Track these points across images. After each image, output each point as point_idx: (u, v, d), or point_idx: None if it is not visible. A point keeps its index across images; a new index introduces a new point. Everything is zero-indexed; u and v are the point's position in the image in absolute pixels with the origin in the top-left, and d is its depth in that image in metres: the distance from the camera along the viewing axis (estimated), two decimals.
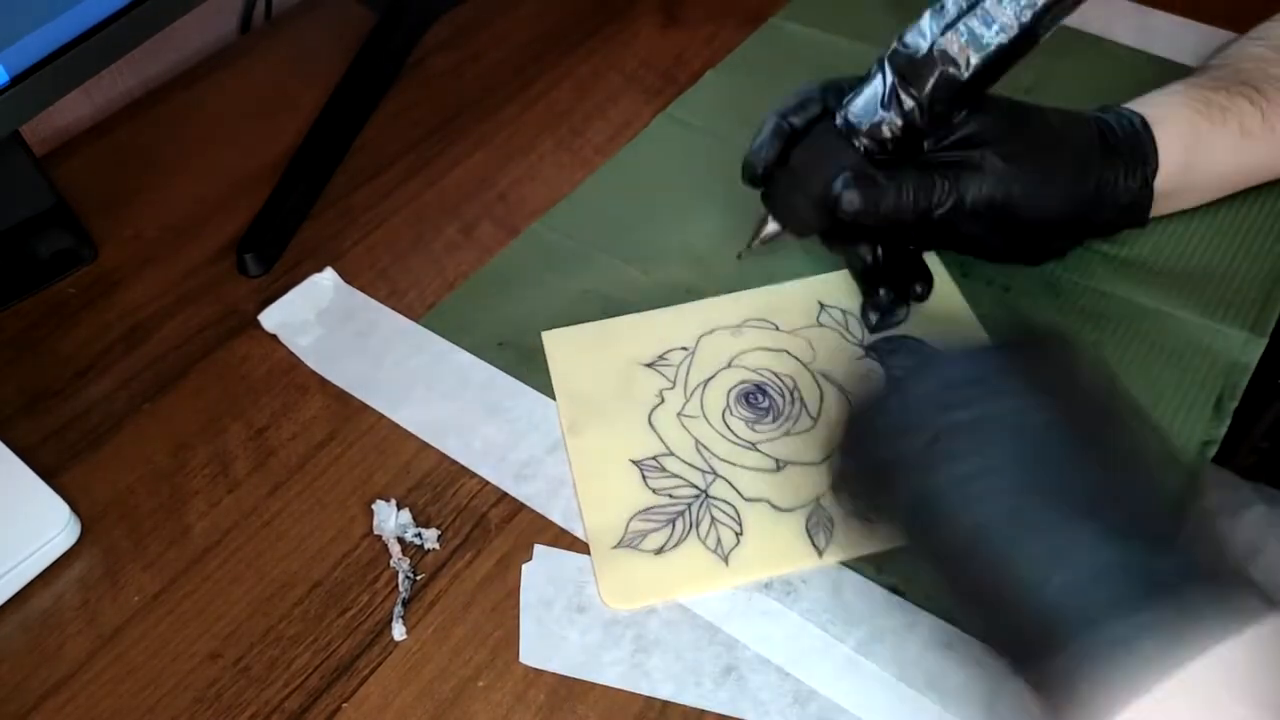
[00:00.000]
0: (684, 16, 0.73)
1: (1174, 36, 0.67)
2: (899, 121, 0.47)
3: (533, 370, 0.52)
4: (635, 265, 0.56)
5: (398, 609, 0.44)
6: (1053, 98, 0.63)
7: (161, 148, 0.66)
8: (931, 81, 0.46)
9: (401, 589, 0.44)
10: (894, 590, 0.43)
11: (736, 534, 0.45)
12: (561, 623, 0.43)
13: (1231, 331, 0.51)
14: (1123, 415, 0.34)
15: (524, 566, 0.45)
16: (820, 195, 0.48)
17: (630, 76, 0.69)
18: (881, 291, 0.52)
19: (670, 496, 0.47)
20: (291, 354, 0.54)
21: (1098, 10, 0.69)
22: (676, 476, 0.47)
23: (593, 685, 0.42)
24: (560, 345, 0.53)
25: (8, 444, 0.49)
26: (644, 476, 0.47)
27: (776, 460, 0.48)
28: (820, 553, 0.44)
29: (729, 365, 0.51)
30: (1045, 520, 0.29)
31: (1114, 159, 0.50)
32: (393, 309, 0.55)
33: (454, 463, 0.49)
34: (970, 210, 0.48)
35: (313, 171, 0.63)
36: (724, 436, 0.49)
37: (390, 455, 0.49)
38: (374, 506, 0.47)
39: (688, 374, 0.51)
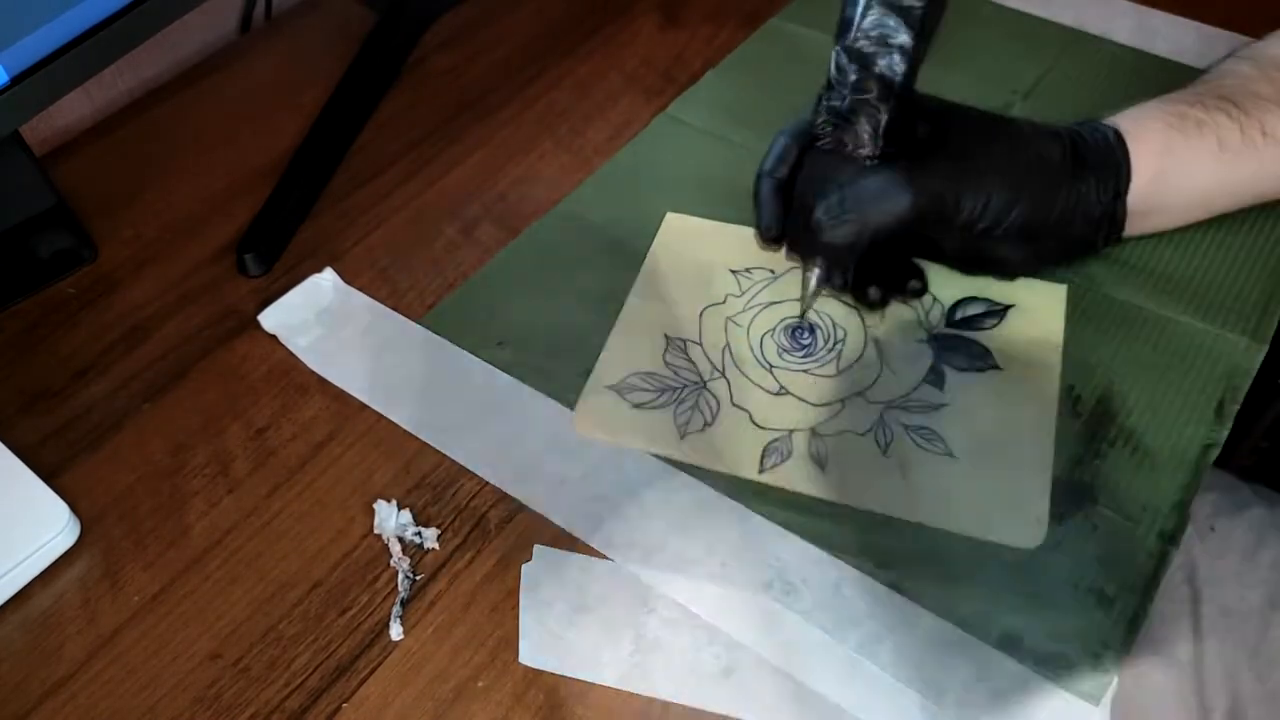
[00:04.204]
0: (684, 16, 0.73)
1: (1174, 36, 0.67)
2: (894, 58, 0.44)
3: (532, 370, 0.52)
4: (635, 266, 0.56)
5: (396, 609, 0.44)
6: (1053, 98, 0.63)
7: (161, 147, 0.66)
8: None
9: (401, 589, 0.44)
10: (894, 587, 0.43)
11: (705, 424, 0.49)
12: (561, 623, 0.43)
13: (1232, 338, 0.51)
14: None
15: (524, 567, 0.45)
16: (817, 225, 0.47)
17: (630, 76, 0.69)
18: (871, 290, 0.51)
19: (675, 374, 0.51)
20: (291, 354, 0.54)
21: (1098, 10, 0.69)
22: (691, 362, 0.52)
23: (592, 686, 0.42)
24: (675, 226, 0.58)
25: (8, 444, 0.49)
26: (666, 349, 0.52)
27: (781, 386, 0.50)
28: (760, 471, 0.47)
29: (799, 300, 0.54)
30: None
31: (1084, 172, 0.50)
32: (392, 309, 0.55)
33: (454, 463, 0.49)
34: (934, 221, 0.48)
35: (313, 171, 0.63)
36: (752, 350, 0.52)
37: (390, 455, 0.49)
38: (375, 506, 0.47)
39: (759, 292, 0.55)
